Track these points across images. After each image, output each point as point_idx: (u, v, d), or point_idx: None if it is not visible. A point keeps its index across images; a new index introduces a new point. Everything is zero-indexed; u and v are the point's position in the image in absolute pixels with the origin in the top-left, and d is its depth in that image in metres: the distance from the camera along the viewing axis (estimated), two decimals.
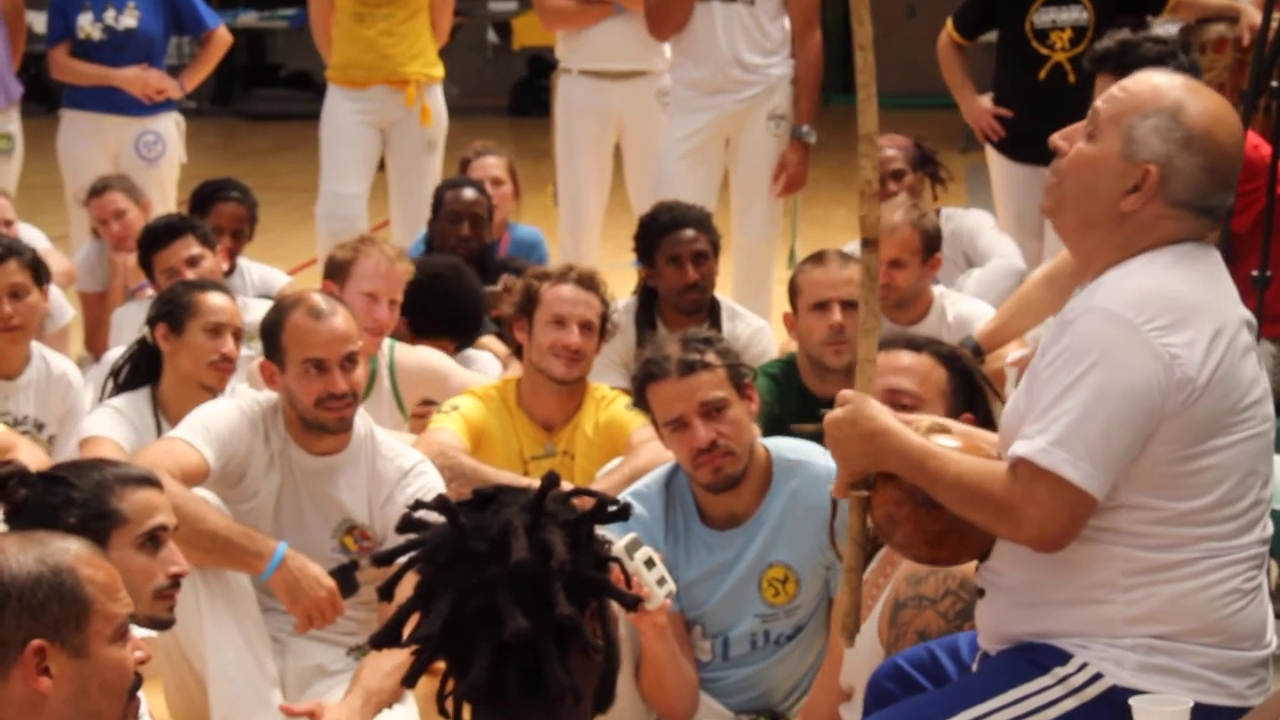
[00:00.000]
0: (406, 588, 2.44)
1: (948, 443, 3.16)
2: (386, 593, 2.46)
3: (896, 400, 3.72)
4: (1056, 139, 3.17)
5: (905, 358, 3.76)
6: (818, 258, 5.27)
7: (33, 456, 5.14)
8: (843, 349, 5.03)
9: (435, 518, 2.41)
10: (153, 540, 3.27)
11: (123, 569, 3.14)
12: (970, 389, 3.77)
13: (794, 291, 5.26)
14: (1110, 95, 3.14)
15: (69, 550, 2.53)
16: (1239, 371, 3.05)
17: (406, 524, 2.41)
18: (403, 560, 2.40)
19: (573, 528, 2.37)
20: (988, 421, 3.66)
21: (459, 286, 5.96)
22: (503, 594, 2.30)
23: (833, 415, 3.18)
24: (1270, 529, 3.15)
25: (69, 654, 2.49)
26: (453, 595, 2.32)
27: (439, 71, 7.47)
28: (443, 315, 5.89)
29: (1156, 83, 3.13)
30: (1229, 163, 3.11)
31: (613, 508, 2.41)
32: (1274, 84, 5.05)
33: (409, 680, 2.40)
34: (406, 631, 2.40)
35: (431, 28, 7.43)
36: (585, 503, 2.42)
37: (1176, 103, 3.09)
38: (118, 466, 3.37)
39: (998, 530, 3.08)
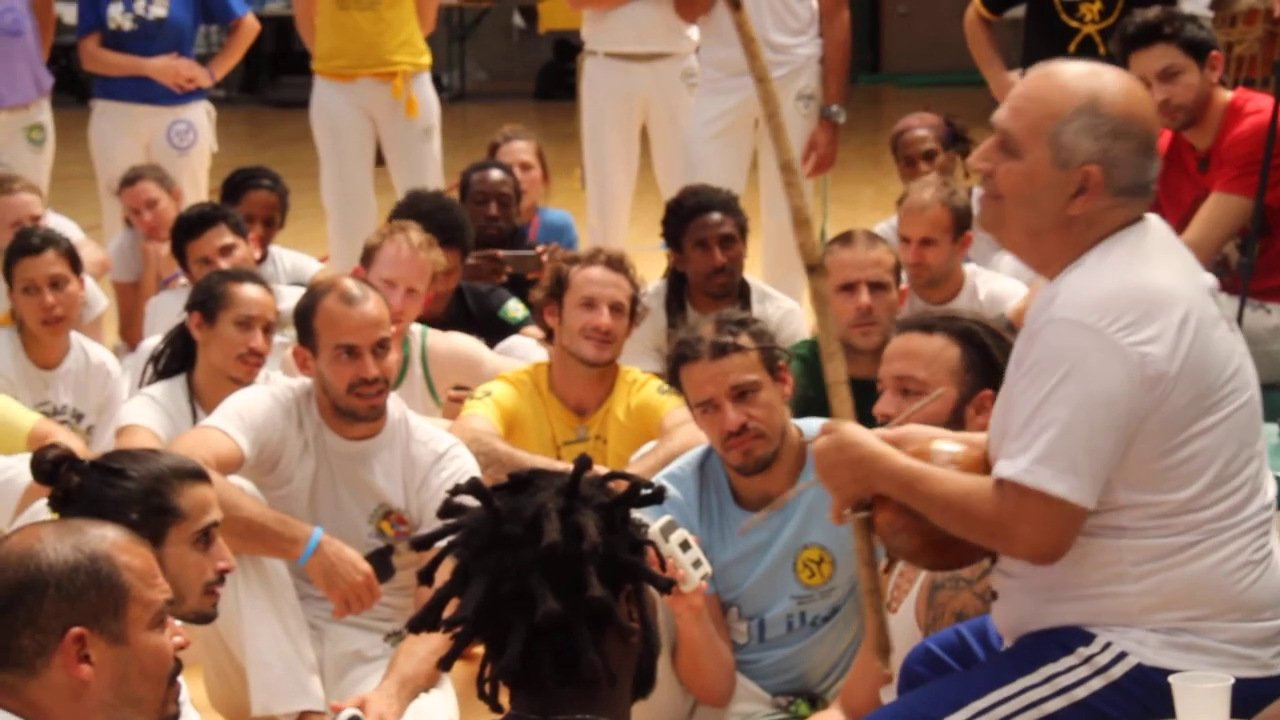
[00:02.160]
0: (445, 572, 2.45)
1: (948, 448, 3.15)
2: (426, 577, 2.47)
3: (903, 386, 3.72)
4: (978, 162, 3.15)
5: (914, 340, 3.74)
6: (845, 238, 5.26)
7: (69, 446, 5.17)
8: (870, 330, 5.03)
9: (474, 502, 2.42)
10: (205, 537, 3.29)
11: (177, 564, 3.16)
12: (989, 365, 3.73)
13: None
14: (1017, 108, 3.10)
15: (106, 538, 2.54)
16: (1211, 350, 3.04)
17: (447, 509, 2.43)
18: (441, 544, 2.42)
19: (607, 511, 2.38)
20: None
21: (434, 201, 5.96)
22: (535, 577, 2.31)
23: (818, 445, 3.18)
24: (1273, 493, 3.14)
25: (108, 641, 2.50)
26: (487, 579, 2.33)
27: (426, 60, 7.38)
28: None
29: (1061, 81, 3.10)
30: (1153, 134, 3.12)
31: (647, 491, 2.42)
32: None
33: (445, 663, 2.42)
34: (445, 615, 2.41)
35: (418, 15, 7.36)
36: (620, 486, 2.42)
37: (1090, 96, 3.07)
38: (172, 459, 3.38)
39: (993, 548, 3.10)
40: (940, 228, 5.66)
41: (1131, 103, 3.09)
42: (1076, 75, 3.10)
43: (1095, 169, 3.05)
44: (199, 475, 3.34)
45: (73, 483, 3.26)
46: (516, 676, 2.33)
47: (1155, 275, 3.05)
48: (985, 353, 3.72)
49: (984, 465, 3.14)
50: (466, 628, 2.35)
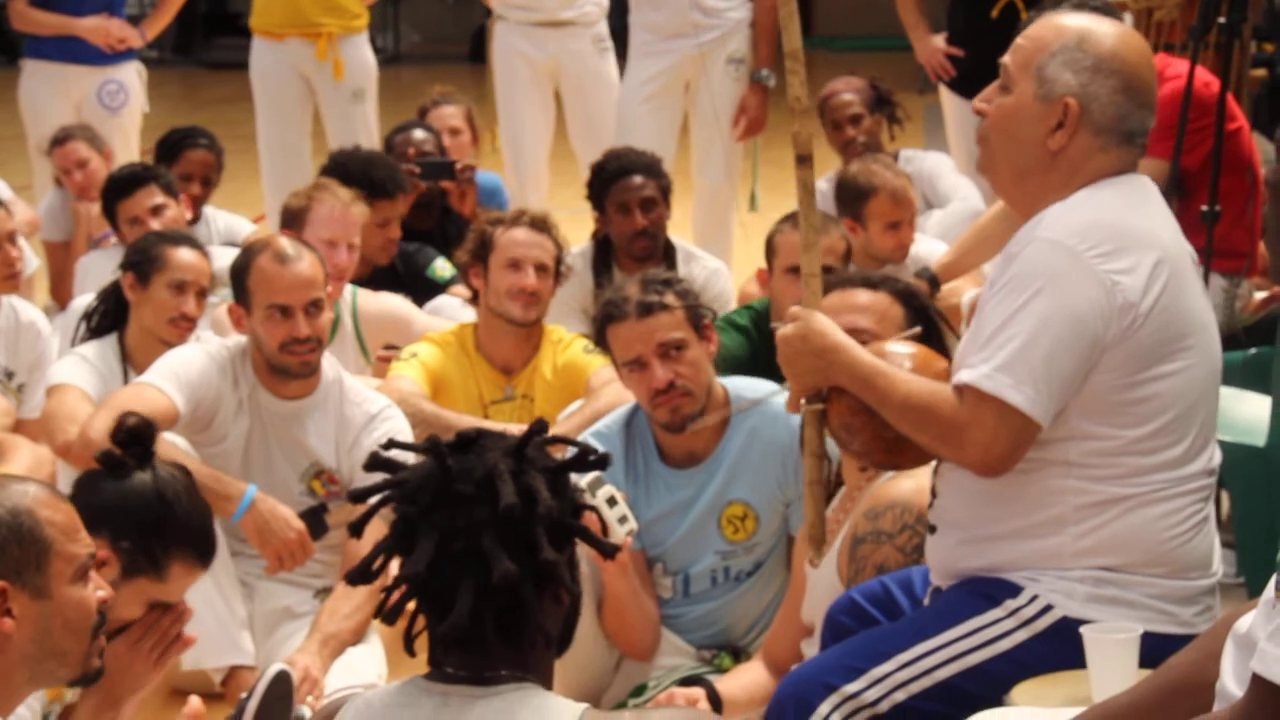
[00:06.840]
0: (376, 527, 2.47)
1: (904, 349, 3.22)
2: (358, 530, 2.48)
3: (856, 339, 3.77)
4: (978, 104, 3.22)
5: (863, 296, 3.79)
6: (798, 219, 5.28)
7: None
8: None
9: (405, 458, 2.44)
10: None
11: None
12: (926, 325, 3.80)
13: (770, 249, 5.26)
14: (1016, 46, 3.19)
15: (27, 493, 2.56)
16: (1183, 301, 3.10)
17: (375, 463, 2.43)
18: (377, 498, 2.42)
19: (553, 474, 2.40)
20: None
21: (362, 160, 6.01)
22: (489, 537, 2.32)
23: (783, 332, 3.22)
24: (1217, 459, 3.20)
25: (30, 595, 2.52)
26: (437, 535, 2.34)
27: (360, 23, 7.32)
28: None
29: (1059, 22, 3.18)
30: (1142, 81, 3.16)
31: (593, 457, 2.44)
32: (1221, 20, 5.10)
33: (389, 618, 2.41)
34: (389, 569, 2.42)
35: None
36: (555, 449, 2.45)
37: (1080, 33, 3.14)
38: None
39: (941, 452, 3.14)
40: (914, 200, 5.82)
41: (1119, 45, 3.15)
42: (1073, 17, 3.19)
43: (1073, 101, 3.10)
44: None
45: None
46: (463, 634, 2.33)
47: (1138, 219, 3.11)
48: (924, 314, 3.78)
49: (940, 372, 3.20)
50: (414, 583, 2.35)
